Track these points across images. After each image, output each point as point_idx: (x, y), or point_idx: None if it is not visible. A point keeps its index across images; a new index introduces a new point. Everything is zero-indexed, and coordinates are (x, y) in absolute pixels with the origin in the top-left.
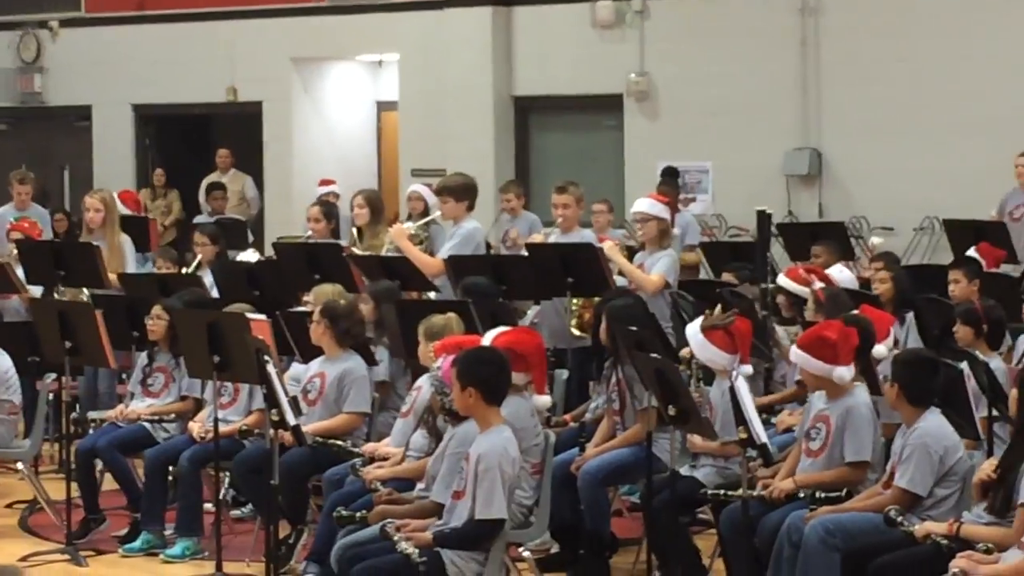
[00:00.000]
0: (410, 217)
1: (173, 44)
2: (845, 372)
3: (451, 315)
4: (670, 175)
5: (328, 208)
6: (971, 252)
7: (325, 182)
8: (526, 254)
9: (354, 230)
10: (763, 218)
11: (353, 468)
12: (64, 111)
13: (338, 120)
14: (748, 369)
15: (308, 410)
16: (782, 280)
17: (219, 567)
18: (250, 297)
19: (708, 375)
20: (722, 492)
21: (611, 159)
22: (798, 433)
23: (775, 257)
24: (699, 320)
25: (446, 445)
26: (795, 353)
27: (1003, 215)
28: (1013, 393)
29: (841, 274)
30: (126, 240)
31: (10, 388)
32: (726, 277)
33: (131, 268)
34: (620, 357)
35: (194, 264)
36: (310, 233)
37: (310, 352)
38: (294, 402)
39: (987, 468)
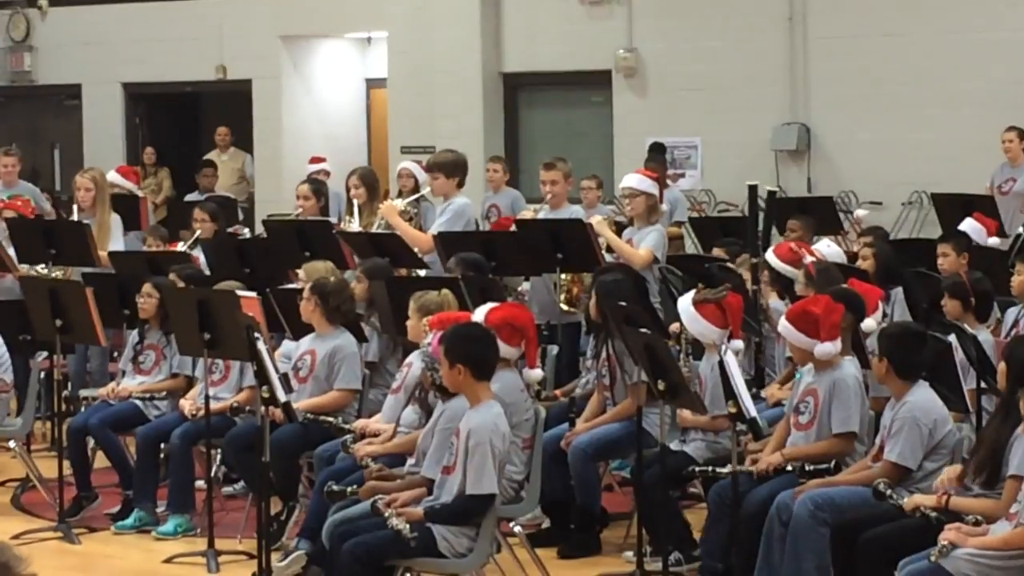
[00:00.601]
0: (400, 194)
1: (162, 23)
2: (829, 347)
3: (446, 291)
4: (658, 151)
5: (317, 186)
6: (963, 225)
7: (316, 160)
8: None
9: (356, 204)
10: (755, 193)
11: (344, 445)
12: (54, 90)
13: (327, 98)
14: (738, 344)
15: (299, 387)
16: (769, 257)
17: (211, 544)
18: (240, 275)
19: (698, 350)
20: (710, 468)
21: (599, 135)
22: (788, 408)
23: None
24: (691, 293)
25: (436, 420)
26: (783, 325)
27: (992, 189)
28: (1001, 366)
29: (829, 248)
30: (115, 219)
31: (2, 366)
32: (716, 253)
33: (116, 247)
34: (610, 332)
35: (191, 240)
36: (300, 210)
37: (300, 329)
38: (285, 379)
39: (950, 474)
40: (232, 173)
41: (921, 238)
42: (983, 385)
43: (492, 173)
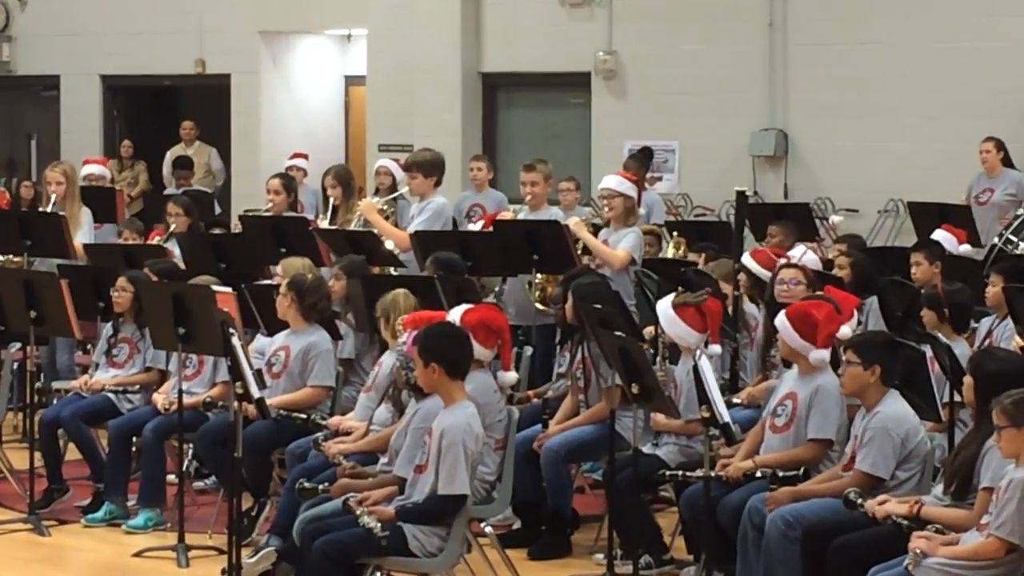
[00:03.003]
0: (377, 192)
1: (142, 15)
2: (824, 355)
3: (399, 291)
4: (644, 155)
5: (287, 180)
6: (934, 236)
7: (297, 155)
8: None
9: (331, 203)
10: (742, 198)
11: (315, 442)
12: (32, 80)
13: (306, 94)
14: (716, 349)
15: (272, 383)
16: (747, 261)
17: (181, 538)
18: (216, 270)
19: (675, 353)
20: (680, 473)
21: (578, 137)
22: (765, 411)
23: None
24: (671, 296)
25: (410, 420)
26: (780, 320)
27: (969, 199)
28: (967, 379)
29: (805, 255)
30: (85, 211)
31: None
32: (691, 257)
33: (85, 239)
34: (585, 335)
35: (167, 234)
36: (270, 204)
37: (275, 325)
38: (258, 375)
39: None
40: (198, 167)
41: (896, 246)
42: (957, 397)
43: (476, 172)
